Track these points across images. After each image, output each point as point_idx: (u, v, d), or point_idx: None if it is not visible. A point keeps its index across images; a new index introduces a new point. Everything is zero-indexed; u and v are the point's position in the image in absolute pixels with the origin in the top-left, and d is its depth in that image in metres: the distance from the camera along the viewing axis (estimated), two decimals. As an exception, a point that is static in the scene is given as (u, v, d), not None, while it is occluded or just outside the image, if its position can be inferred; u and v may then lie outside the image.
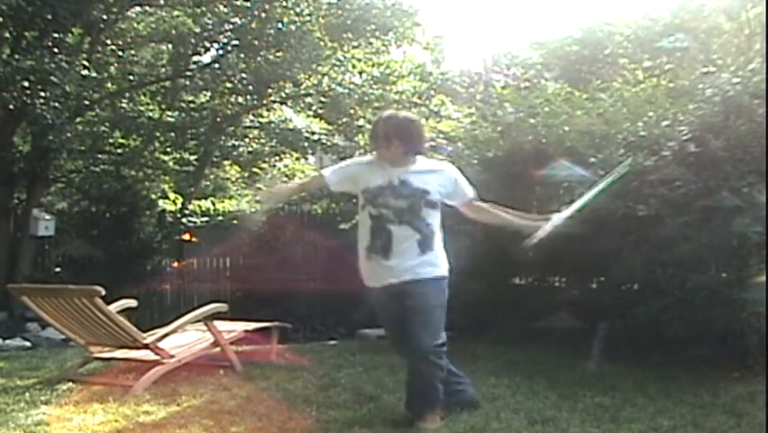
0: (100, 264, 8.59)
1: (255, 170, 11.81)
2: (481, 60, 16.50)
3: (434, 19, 17.85)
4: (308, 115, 11.22)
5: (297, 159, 12.18)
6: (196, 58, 9.71)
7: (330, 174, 3.73)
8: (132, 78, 9.80)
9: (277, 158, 11.77)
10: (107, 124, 10.03)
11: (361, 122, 10.59)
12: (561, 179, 5.60)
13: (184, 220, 10.35)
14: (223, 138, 10.32)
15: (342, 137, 11.07)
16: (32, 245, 8.68)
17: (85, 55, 8.42)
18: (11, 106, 7.57)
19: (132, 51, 9.78)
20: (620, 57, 10.87)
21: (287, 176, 12.77)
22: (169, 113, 10.22)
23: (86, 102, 8.57)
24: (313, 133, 10.94)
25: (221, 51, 9.31)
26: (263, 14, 8.78)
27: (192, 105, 10.27)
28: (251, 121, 10.94)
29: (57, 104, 7.30)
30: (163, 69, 10.07)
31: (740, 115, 4.89)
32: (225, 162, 11.55)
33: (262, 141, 11.24)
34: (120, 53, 9.49)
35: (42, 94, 7.23)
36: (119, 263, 8.60)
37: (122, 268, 8.51)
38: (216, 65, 9.11)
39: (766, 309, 4.20)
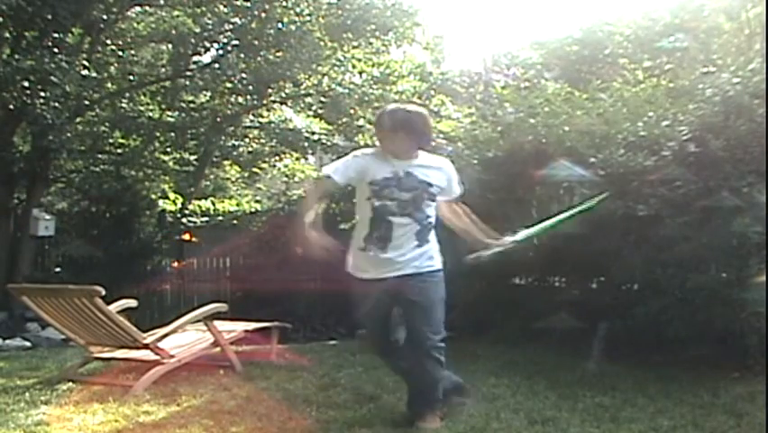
0: (100, 264, 8.59)
1: (255, 170, 11.82)
2: (481, 60, 16.52)
3: (434, 19, 17.90)
4: (308, 115, 11.23)
5: (297, 159, 12.19)
6: (196, 58, 9.72)
7: (336, 174, 3.55)
8: (132, 78, 9.81)
9: (277, 158, 11.78)
10: (107, 124, 10.04)
11: (361, 122, 10.60)
12: (561, 179, 5.60)
13: (184, 220, 10.36)
14: (223, 138, 10.33)
15: (342, 137, 11.07)
16: (32, 245, 8.68)
17: (85, 55, 8.42)
18: (11, 106, 7.57)
19: (132, 51, 9.78)
20: (620, 57, 10.88)
21: (287, 176, 12.79)
22: (169, 113, 10.23)
23: (86, 102, 8.57)
24: (313, 133, 10.95)
25: (221, 51, 9.31)
26: (263, 14, 8.78)
27: (192, 105, 10.27)
28: (251, 121, 10.95)
29: (57, 104, 7.30)
30: (163, 69, 10.08)
31: (740, 115, 4.89)
32: (225, 162, 11.56)
33: (262, 141, 11.25)
34: (120, 53, 9.49)
35: (42, 94, 7.23)
36: (119, 263, 8.60)
37: (122, 268, 8.51)
38: (216, 65, 9.12)
39: (766, 309, 4.20)
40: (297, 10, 9.11)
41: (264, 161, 11.70)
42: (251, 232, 10.03)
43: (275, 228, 9.59)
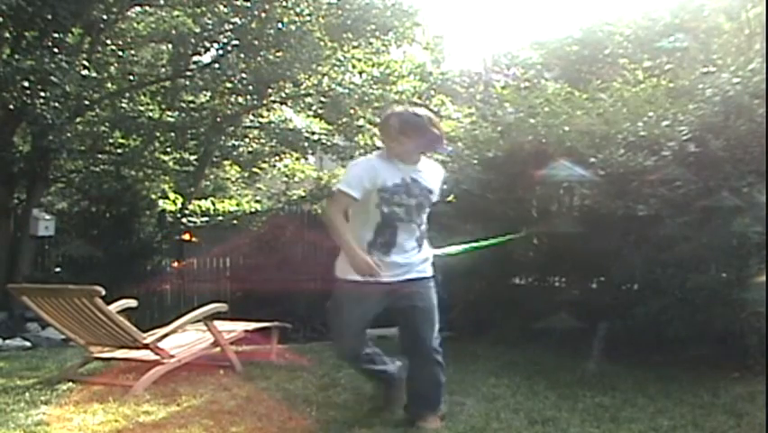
0: (100, 264, 8.58)
1: (255, 170, 11.81)
2: (481, 60, 16.54)
3: (434, 19, 17.88)
4: (308, 115, 11.22)
5: (297, 159, 12.18)
6: (196, 58, 9.70)
7: (351, 189, 3.44)
8: (132, 78, 9.80)
9: (277, 158, 11.78)
10: (107, 124, 10.03)
11: (361, 122, 10.60)
12: (561, 179, 5.60)
13: (184, 220, 10.35)
14: (223, 138, 10.32)
15: (342, 137, 11.07)
16: (32, 245, 8.68)
17: (85, 55, 8.41)
18: (11, 106, 7.57)
19: (132, 51, 9.77)
20: (620, 57, 10.86)
21: (287, 176, 12.79)
22: (169, 113, 10.22)
23: (86, 102, 8.56)
24: (313, 133, 10.94)
25: (221, 51, 9.30)
26: (263, 14, 8.77)
27: (192, 105, 10.26)
28: (251, 121, 10.94)
29: (57, 104, 7.30)
30: (163, 69, 10.07)
31: (740, 115, 4.89)
32: (225, 162, 11.55)
33: (262, 141, 11.24)
34: (120, 53, 9.48)
35: (42, 94, 7.22)
36: (119, 263, 8.59)
37: (122, 268, 8.50)
38: (216, 65, 9.11)
39: (766, 309, 4.20)
40: (297, 10, 9.10)
41: (264, 161, 11.69)
42: (251, 232, 10.03)
43: (275, 228, 9.60)
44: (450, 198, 6.40)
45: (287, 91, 10.18)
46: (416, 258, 3.59)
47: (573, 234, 5.45)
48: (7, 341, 6.87)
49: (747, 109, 4.88)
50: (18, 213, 8.71)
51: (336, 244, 3.54)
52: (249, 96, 9.83)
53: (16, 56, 7.52)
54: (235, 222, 10.82)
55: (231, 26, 8.91)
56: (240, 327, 5.47)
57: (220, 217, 11.23)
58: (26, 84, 7.13)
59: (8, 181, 8.46)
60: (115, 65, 9.62)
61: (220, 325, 5.19)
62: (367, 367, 3.79)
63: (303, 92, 10.26)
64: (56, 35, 7.94)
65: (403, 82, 10.88)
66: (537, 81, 11.09)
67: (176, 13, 9.22)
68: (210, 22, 8.86)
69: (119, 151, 10.44)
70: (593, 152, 5.30)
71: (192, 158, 10.83)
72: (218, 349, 5.10)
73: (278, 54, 9.05)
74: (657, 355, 4.92)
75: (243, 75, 9.11)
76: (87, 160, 9.91)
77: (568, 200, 6.13)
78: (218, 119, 9.98)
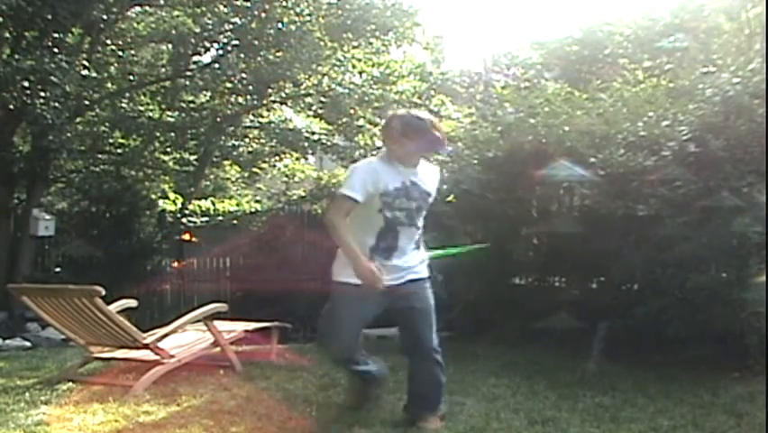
0: (100, 264, 8.59)
1: (255, 170, 11.82)
2: (481, 60, 16.54)
3: (434, 19, 17.89)
4: (308, 115, 11.23)
5: (297, 159, 12.19)
6: (196, 58, 9.71)
7: (354, 193, 3.42)
8: (132, 78, 9.80)
9: (277, 158, 11.78)
10: (107, 124, 10.03)
11: (361, 122, 10.61)
12: (561, 179, 5.60)
13: (184, 220, 10.35)
14: (223, 138, 10.32)
15: (342, 137, 11.07)
16: (32, 245, 8.68)
17: (85, 55, 8.42)
18: (11, 106, 7.57)
19: (132, 51, 9.77)
20: (620, 57, 10.86)
21: (287, 176, 12.80)
22: (169, 113, 10.22)
23: (86, 102, 8.56)
24: (313, 133, 10.95)
25: (221, 51, 9.31)
26: (263, 14, 8.77)
27: (192, 105, 10.27)
28: (251, 121, 10.94)
29: (57, 104, 7.30)
30: (163, 69, 10.07)
31: (740, 115, 4.90)
32: (225, 162, 11.56)
33: (262, 141, 11.24)
34: (120, 53, 9.48)
35: (42, 94, 7.22)
36: (119, 263, 8.59)
37: (122, 268, 8.50)
38: (216, 65, 9.11)
39: (766, 309, 4.20)
40: (297, 10, 9.10)
41: (264, 161, 11.70)
42: (251, 232, 10.03)
43: (275, 228, 9.60)
44: (450, 198, 6.41)
45: (287, 91, 10.19)
46: (415, 260, 3.60)
47: (573, 234, 5.45)
48: (7, 341, 6.87)
49: (747, 109, 4.88)
50: (18, 213, 8.71)
51: (336, 244, 3.53)
52: (249, 96, 9.84)
53: (16, 56, 7.52)
54: (235, 222, 10.83)
55: (231, 26, 8.91)
56: (240, 326, 5.46)
57: (220, 217, 11.24)
58: (26, 84, 7.14)
59: (8, 181, 8.46)
60: (115, 65, 9.62)
61: (220, 325, 5.19)
62: (355, 368, 3.78)
63: (303, 92, 10.27)
64: (56, 35, 7.94)
65: (403, 82, 10.88)
66: (537, 81, 11.09)
67: (176, 13, 9.22)
68: (210, 22, 8.87)
69: (119, 151, 10.44)
70: (593, 151, 5.30)
71: (192, 158, 10.83)
72: (218, 349, 5.10)
73: (278, 54, 9.05)
74: (657, 355, 4.92)
75: (243, 75, 9.12)
76: (87, 160, 9.91)
77: (568, 200, 6.13)
78: (218, 119, 9.98)
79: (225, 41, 9.17)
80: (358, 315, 3.54)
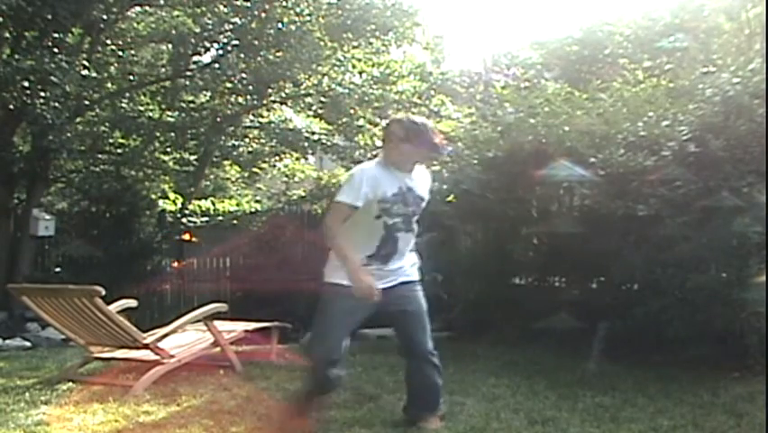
0: (100, 264, 8.59)
1: (255, 170, 11.82)
2: (481, 60, 16.52)
3: (434, 19, 17.86)
4: (308, 115, 11.23)
5: (297, 159, 12.19)
6: (196, 58, 9.70)
7: (351, 199, 3.40)
8: (132, 78, 9.80)
9: (277, 158, 11.78)
10: (107, 124, 10.03)
11: (361, 122, 10.60)
12: (561, 179, 5.61)
13: (184, 220, 10.36)
14: (223, 138, 10.32)
15: (342, 137, 11.07)
16: (32, 245, 8.68)
17: (85, 55, 8.41)
18: (11, 106, 7.57)
19: (132, 51, 9.77)
20: (620, 57, 10.85)
21: (287, 176, 12.79)
22: (169, 113, 10.22)
23: (86, 102, 8.56)
24: (313, 133, 10.95)
25: (221, 51, 9.30)
26: (263, 14, 8.77)
27: (192, 106, 10.27)
28: (251, 121, 10.94)
29: (57, 104, 7.30)
30: (163, 69, 10.07)
31: (740, 115, 4.90)
32: (225, 162, 11.55)
33: (262, 141, 11.24)
34: (120, 53, 9.48)
35: (42, 94, 7.22)
36: (119, 263, 8.59)
37: (122, 268, 8.50)
38: (216, 65, 9.11)
39: (766, 309, 4.20)
40: (297, 10, 9.10)
41: (264, 161, 11.70)
42: (251, 232, 10.03)
43: (275, 228, 9.60)
44: (450, 198, 6.41)
45: (287, 91, 10.18)
46: (409, 262, 3.61)
47: (573, 234, 5.45)
48: (7, 341, 6.87)
49: (747, 109, 4.88)
50: (18, 213, 8.71)
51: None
52: (249, 96, 9.84)
53: (16, 56, 7.52)
54: (235, 222, 10.83)
55: (231, 26, 8.91)
56: (240, 327, 5.46)
57: (220, 217, 11.25)
58: (26, 84, 7.14)
59: (8, 181, 8.46)
60: (115, 65, 9.62)
61: (220, 325, 5.19)
62: (332, 373, 3.61)
63: (303, 92, 10.26)
64: (56, 35, 7.94)
65: (403, 82, 10.88)
66: (537, 81, 11.09)
67: (176, 13, 9.22)
68: (210, 22, 8.87)
69: (119, 151, 10.44)
70: (593, 151, 5.30)
71: (192, 158, 10.83)
72: (218, 349, 5.10)
73: (278, 54, 9.05)
74: (657, 355, 4.92)
75: (243, 75, 9.12)
76: (87, 160, 9.91)
77: (568, 200, 6.13)
78: (218, 119, 9.98)
79: (225, 41, 9.17)
80: (348, 317, 3.49)
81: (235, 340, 5.31)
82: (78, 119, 9.01)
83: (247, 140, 11.23)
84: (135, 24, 9.63)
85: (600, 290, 5.80)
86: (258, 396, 4.29)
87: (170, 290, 9.41)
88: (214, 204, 11.98)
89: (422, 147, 3.50)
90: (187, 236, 9.96)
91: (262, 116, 10.94)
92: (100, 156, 10.21)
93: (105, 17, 8.48)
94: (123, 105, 9.94)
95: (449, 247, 6.79)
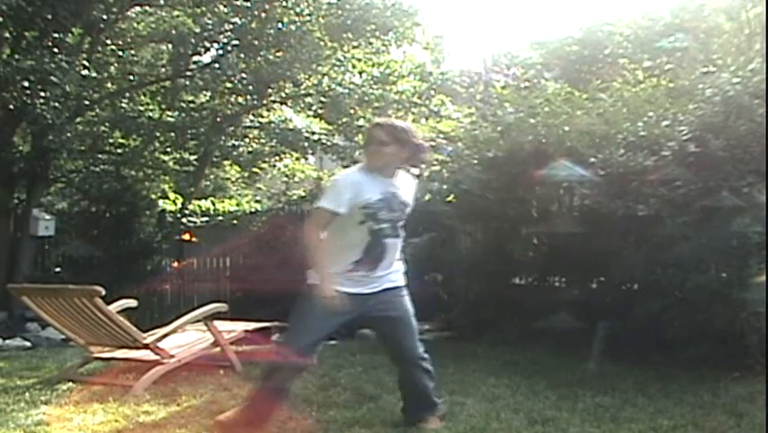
0: (100, 264, 8.58)
1: (255, 170, 11.81)
2: (481, 60, 16.54)
3: (434, 19, 17.85)
4: (308, 115, 11.22)
5: (297, 159, 12.18)
6: (196, 58, 9.70)
7: (332, 205, 3.38)
8: (132, 78, 9.80)
9: (277, 158, 11.78)
10: (107, 124, 10.03)
11: (361, 122, 10.59)
12: (561, 179, 5.61)
13: (184, 220, 10.35)
14: (223, 138, 10.32)
15: (342, 137, 11.06)
16: (32, 245, 8.68)
17: (85, 55, 8.41)
18: (11, 106, 7.56)
19: (132, 51, 9.77)
20: (620, 57, 10.87)
21: (287, 176, 12.79)
22: (169, 113, 10.22)
23: (86, 102, 8.56)
24: (313, 133, 10.94)
25: (221, 51, 9.30)
26: (263, 14, 8.76)
27: (192, 106, 10.26)
28: (251, 121, 10.94)
29: (57, 104, 7.30)
30: (163, 69, 10.07)
31: (740, 115, 4.90)
32: (225, 162, 11.55)
33: (262, 141, 11.24)
34: (120, 53, 9.48)
35: (42, 94, 7.22)
36: (119, 263, 8.59)
37: (122, 268, 8.50)
38: (216, 65, 9.11)
39: (766, 309, 4.20)
40: (297, 10, 9.09)
41: (264, 161, 11.69)
42: (251, 232, 10.03)
43: (275, 228, 9.59)
44: (450, 198, 6.41)
45: (287, 91, 10.18)
46: (396, 268, 3.57)
47: (573, 234, 5.45)
48: (7, 341, 6.87)
49: (747, 109, 4.88)
50: (18, 213, 8.71)
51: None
52: (249, 96, 9.83)
53: (16, 56, 7.52)
54: (235, 222, 10.83)
55: (231, 26, 8.91)
56: (240, 327, 5.46)
57: (220, 217, 11.24)
58: (26, 84, 7.13)
59: (8, 181, 8.46)
60: (115, 65, 9.62)
61: (220, 325, 5.19)
62: (290, 379, 3.60)
63: (303, 92, 10.26)
64: (56, 35, 7.94)
65: (403, 82, 10.88)
66: (537, 81, 11.10)
67: (176, 13, 9.22)
68: (210, 22, 8.86)
69: (119, 151, 10.44)
70: (593, 151, 5.30)
71: (192, 158, 10.83)
72: (218, 349, 5.10)
73: (278, 54, 9.05)
74: (657, 355, 4.92)
75: (243, 75, 9.11)
76: (87, 160, 9.91)
77: (568, 200, 6.13)
78: (218, 119, 9.98)
79: (225, 41, 9.17)
80: (325, 320, 3.43)
81: (235, 340, 5.31)
82: (78, 119, 9.01)
83: (247, 140, 11.23)
84: (135, 24, 9.63)
85: (600, 290, 5.80)
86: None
87: (170, 290, 9.41)
88: (214, 204, 11.98)
89: (404, 150, 3.45)
90: (187, 236, 9.96)
91: (262, 116, 10.94)
92: (100, 156, 10.21)
93: (105, 17, 8.48)
94: (123, 105, 9.94)
95: (449, 247, 6.79)
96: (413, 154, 3.52)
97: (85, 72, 7.87)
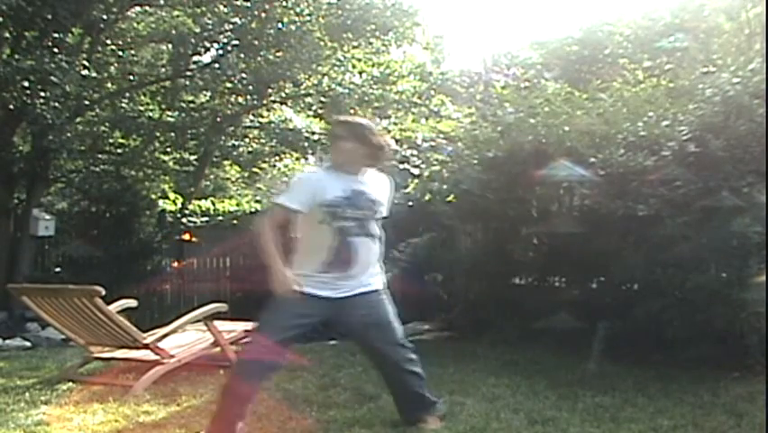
0: (100, 264, 8.59)
1: (255, 170, 11.82)
2: (481, 60, 16.56)
3: (434, 19, 17.84)
4: (308, 115, 11.23)
5: (297, 159, 12.18)
6: (196, 58, 9.71)
7: (287, 201, 3.37)
8: (132, 78, 9.80)
9: (277, 158, 11.78)
10: (107, 124, 10.04)
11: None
12: (561, 179, 5.60)
13: (184, 220, 10.36)
14: (223, 138, 10.33)
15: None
16: (32, 245, 8.68)
17: (85, 55, 8.42)
18: (11, 106, 7.57)
19: (132, 51, 9.78)
20: (620, 57, 10.87)
21: (287, 176, 12.79)
22: (169, 113, 10.22)
23: (86, 102, 8.56)
24: (313, 133, 10.94)
25: (221, 51, 9.31)
26: (263, 14, 8.77)
27: (192, 106, 10.27)
28: (251, 121, 10.94)
29: (57, 104, 7.30)
30: (163, 69, 10.08)
31: (740, 115, 4.89)
32: (225, 162, 11.56)
33: (262, 141, 11.24)
34: (120, 53, 9.48)
35: (42, 94, 7.22)
36: (119, 263, 8.60)
37: (122, 268, 8.51)
38: (216, 65, 9.11)
39: (766, 309, 4.20)
40: (297, 10, 9.10)
41: (264, 161, 11.69)
42: (251, 232, 10.01)
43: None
44: (450, 198, 6.41)
45: (287, 91, 10.18)
46: (372, 270, 3.49)
47: (573, 234, 5.45)
48: (7, 341, 6.87)
49: (747, 109, 4.88)
50: (18, 213, 8.71)
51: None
52: (249, 96, 9.84)
53: (16, 56, 7.52)
54: (235, 222, 10.83)
55: (231, 26, 8.91)
56: (240, 327, 5.46)
57: (220, 217, 11.25)
58: (26, 84, 7.14)
59: (8, 181, 8.46)
60: (115, 65, 9.63)
61: (220, 325, 5.19)
62: (258, 375, 3.53)
63: (303, 92, 10.26)
64: (56, 35, 7.94)
65: (403, 82, 10.88)
66: (537, 81, 11.10)
67: (176, 13, 9.23)
68: (210, 22, 8.87)
69: (119, 151, 10.45)
70: (593, 151, 5.30)
71: (192, 158, 10.84)
72: (218, 349, 5.10)
73: (278, 54, 9.06)
74: (657, 355, 4.91)
75: (243, 75, 9.12)
76: (87, 160, 9.91)
77: (568, 200, 6.13)
78: (218, 119, 9.99)
79: (225, 41, 9.18)
80: (295, 319, 3.38)
81: (235, 340, 5.30)
82: (78, 119, 9.01)
83: (247, 140, 11.23)
84: (135, 24, 9.63)
85: (600, 290, 5.80)
86: (258, 396, 4.27)
87: (170, 290, 9.42)
88: (214, 204, 11.98)
89: (364, 147, 3.41)
90: (187, 236, 9.97)
91: (262, 116, 10.94)
92: (100, 156, 10.22)
93: (105, 17, 8.48)
94: (123, 105, 9.95)
95: (449, 247, 6.79)
96: (372, 152, 3.45)
97: (85, 72, 7.88)
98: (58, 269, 9.01)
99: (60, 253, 9.13)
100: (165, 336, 4.84)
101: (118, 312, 4.90)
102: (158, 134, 10.21)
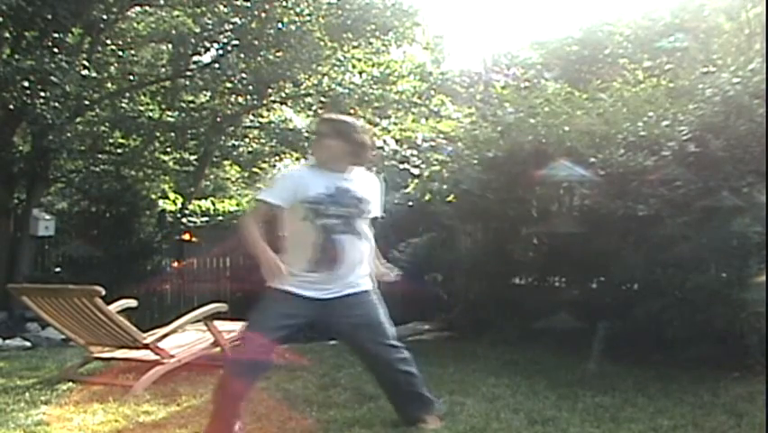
0: (100, 264, 8.59)
1: (255, 170, 11.82)
2: (481, 60, 16.54)
3: (434, 19, 17.83)
4: (308, 115, 11.23)
5: (297, 159, 12.18)
6: (196, 58, 9.71)
7: (269, 197, 3.42)
8: (132, 78, 9.81)
9: (277, 158, 11.78)
10: (107, 124, 10.04)
11: (361, 122, 10.58)
12: (561, 179, 5.60)
13: (184, 220, 10.36)
14: (223, 138, 10.33)
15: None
16: (32, 245, 8.68)
17: (85, 55, 8.42)
18: (11, 106, 7.57)
19: (132, 51, 9.78)
20: (620, 57, 10.87)
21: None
22: (169, 113, 10.23)
23: (86, 102, 8.57)
24: (313, 134, 10.94)
25: (221, 51, 9.31)
26: (263, 14, 8.77)
27: (192, 105, 10.27)
28: (251, 121, 10.95)
29: (57, 104, 7.30)
30: (163, 69, 10.08)
31: (740, 115, 4.90)
32: (225, 162, 11.57)
33: (262, 141, 11.25)
34: (120, 53, 9.49)
35: (42, 94, 7.23)
36: (119, 263, 8.60)
37: (122, 268, 8.50)
38: (216, 65, 9.12)
39: (766, 309, 4.20)
40: (297, 10, 9.10)
41: (264, 161, 11.70)
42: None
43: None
44: (450, 198, 6.41)
45: (287, 91, 10.19)
46: (360, 271, 3.46)
47: (573, 234, 5.45)
48: (7, 341, 6.87)
49: (747, 109, 4.88)
50: (18, 213, 8.71)
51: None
52: (249, 96, 9.84)
53: (16, 56, 7.53)
54: (235, 222, 10.82)
55: (231, 26, 8.92)
56: (240, 327, 5.45)
57: (220, 217, 11.24)
58: (26, 84, 7.14)
59: (8, 181, 8.47)
60: (115, 65, 9.63)
61: (220, 325, 5.19)
62: (248, 375, 3.50)
63: (303, 92, 10.27)
64: (56, 35, 7.95)
65: (403, 82, 10.89)
66: (537, 81, 11.11)
67: (176, 13, 9.23)
68: (210, 22, 8.87)
69: (119, 151, 10.45)
70: (593, 151, 5.30)
71: (192, 158, 10.84)
72: (218, 349, 5.10)
73: (278, 54, 9.06)
74: (657, 355, 4.91)
75: (243, 75, 9.12)
76: (87, 160, 9.92)
77: (568, 200, 6.13)
78: (218, 119, 9.99)
79: (225, 41, 9.18)
80: (284, 319, 3.37)
81: (235, 340, 5.30)
82: (78, 119, 9.02)
83: (247, 140, 11.24)
84: (135, 24, 9.64)
85: (600, 290, 5.80)
86: (258, 396, 4.27)
87: (170, 290, 9.41)
88: (214, 204, 11.99)
89: (347, 145, 3.39)
90: (187, 236, 9.97)
91: (262, 116, 10.95)
92: (100, 156, 10.23)
93: (105, 17, 8.49)
94: (123, 105, 9.95)
95: (449, 247, 6.80)
96: (355, 150, 3.43)
97: (85, 72, 7.88)
98: (58, 269, 9.01)
99: (60, 253, 9.13)
100: (165, 336, 4.84)
101: (118, 312, 4.90)
102: (158, 134, 10.22)
